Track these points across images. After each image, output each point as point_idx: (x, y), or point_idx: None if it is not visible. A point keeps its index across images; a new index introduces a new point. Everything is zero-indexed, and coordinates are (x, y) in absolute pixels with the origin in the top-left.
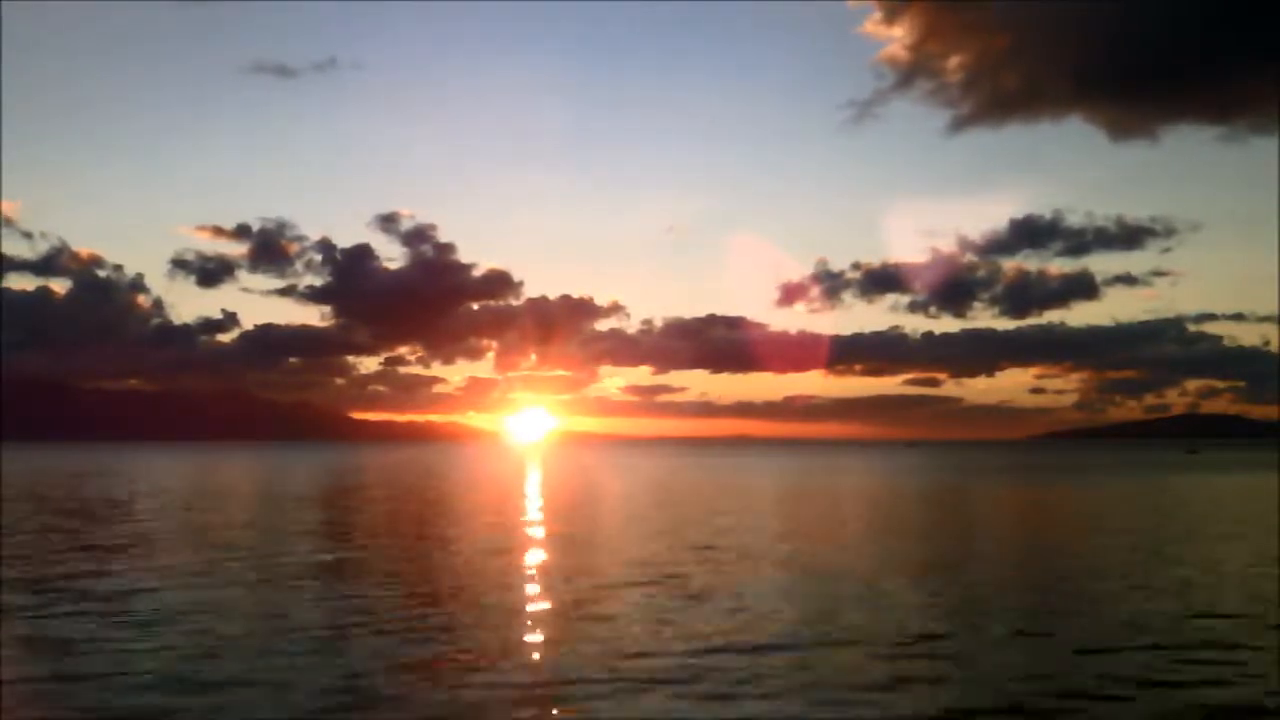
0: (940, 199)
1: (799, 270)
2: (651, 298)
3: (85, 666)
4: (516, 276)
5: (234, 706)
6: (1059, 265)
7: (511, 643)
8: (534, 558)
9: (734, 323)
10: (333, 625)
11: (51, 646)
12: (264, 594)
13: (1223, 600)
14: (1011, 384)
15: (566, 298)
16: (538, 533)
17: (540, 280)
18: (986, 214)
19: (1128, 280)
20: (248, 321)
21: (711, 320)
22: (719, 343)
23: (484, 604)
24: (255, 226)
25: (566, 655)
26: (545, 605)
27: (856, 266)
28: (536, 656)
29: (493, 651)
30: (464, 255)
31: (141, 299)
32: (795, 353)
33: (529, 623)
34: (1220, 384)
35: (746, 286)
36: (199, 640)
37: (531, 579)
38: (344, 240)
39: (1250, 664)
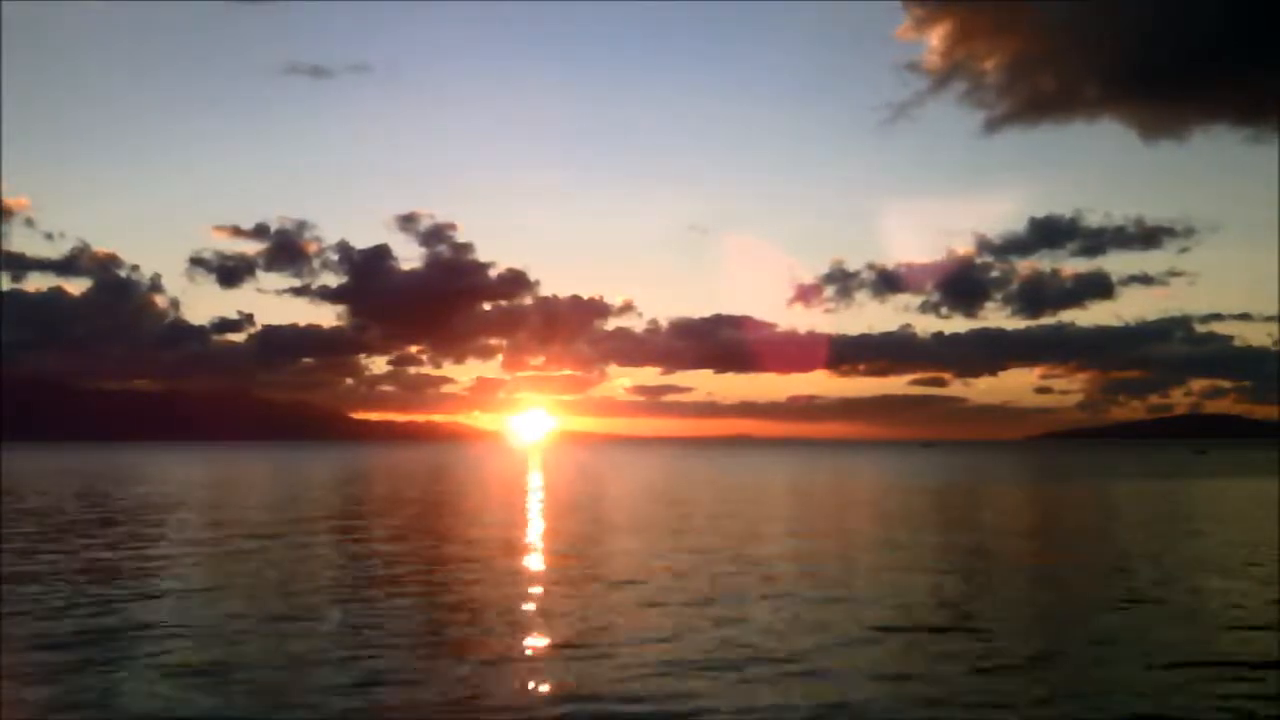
0: (966, 199)
1: (814, 270)
2: (665, 297)
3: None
4: (533, 276)
5: None
6: (1074, 265)
7: None
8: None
9: (739, 323)
10: None
11: None
12: None
13: None
14: (1016, 384)
15: (576, 298)
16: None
17: (557, 280)
18: (1012, 214)
19: (1144, 280)
20: (263, 322)
21: (718, 320)
22: (724, 343)
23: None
24: (274, 226)
25: None
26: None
27: (871, 267)
28: None
29: None
30: (482, 255)
31: (159, 299)
32: (798, 353)
33: None
34: (1226, 384)
35: (759, 286)
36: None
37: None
38: (366, 240)
39: None
